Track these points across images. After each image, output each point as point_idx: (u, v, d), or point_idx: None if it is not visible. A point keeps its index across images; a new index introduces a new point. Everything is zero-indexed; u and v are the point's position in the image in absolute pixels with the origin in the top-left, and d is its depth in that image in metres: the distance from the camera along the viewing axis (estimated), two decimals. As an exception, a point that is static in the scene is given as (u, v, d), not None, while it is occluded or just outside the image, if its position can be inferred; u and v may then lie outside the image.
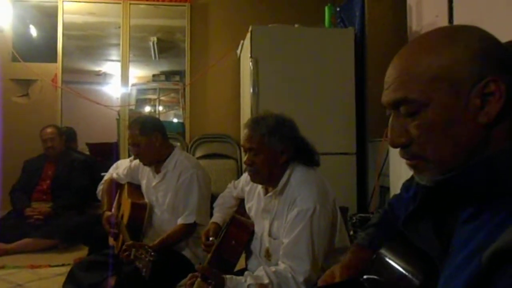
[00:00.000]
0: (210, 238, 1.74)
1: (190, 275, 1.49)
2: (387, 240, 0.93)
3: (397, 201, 1.02)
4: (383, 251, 0.84)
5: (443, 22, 2.99)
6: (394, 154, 2.75)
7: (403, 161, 0.72)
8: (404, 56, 0.70)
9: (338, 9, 4.06)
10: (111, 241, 2.28)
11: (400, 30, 3.62)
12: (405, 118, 0.68)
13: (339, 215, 1.59)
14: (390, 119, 0.71)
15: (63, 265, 2.87)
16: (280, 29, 3.61)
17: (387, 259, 0.82)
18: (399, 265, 0.80)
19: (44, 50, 4.59)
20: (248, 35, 3.54)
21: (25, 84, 4.40)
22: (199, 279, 1.39)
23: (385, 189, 3.20)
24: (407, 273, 0.78)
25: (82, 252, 3.00)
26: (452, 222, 0.68)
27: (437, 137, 0.65)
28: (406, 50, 0.70)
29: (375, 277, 0.81)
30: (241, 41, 4.02)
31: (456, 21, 2.86)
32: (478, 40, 0.65)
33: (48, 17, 4.51)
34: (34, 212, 3.41)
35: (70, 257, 2.95)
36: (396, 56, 0.71)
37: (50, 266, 2.90)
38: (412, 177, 0.95)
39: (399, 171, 2.67)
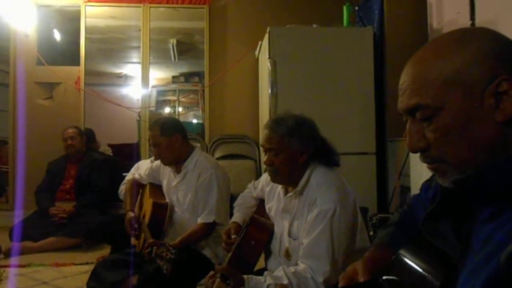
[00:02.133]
0: (233, 236, 1.75)
1: (209, 274, 1.51)
2: (407, 240, 0.92)
3: (417, 202, 1.02)
4: (402, 252, 0.84)
5: (465, 19, 2.94)
6: (414, 154, 2.71)
7: None
8: (416, 62, 0.71)
9: (356, 8, 4.03)
10: (133, 240, 2.32)
11: (420, 28, 3.57)
12: (422, 123, 0.69)
13: (360, 216, 1.58)
14: (407, 124, 0.72)
15: (86, 263, 2.94)
16: (298, 30, 3.60)
17: (407, 260, 0.82)
18: (419, 266, 0.80)
19: (67, 54, 4.71)
20: (266, 36, 3.55)
21: (49, 87, 4.51)
22: (218, 279, 1.40)
23: (406, 189, 3.16)
24: (427, 274, 0.77)
25: (105, 251, 3.07)
26: (472, 222, 0.68)
27: (454, 140, 0.66)
28: (417, 56, 0.71)
29: (395, 278, 0.81)
30: (259, 42, 4.03)
31: (478, 18, 2.81)
32: (489, 41, 0.66)
33: (71, 21, 4.63)
34: (59, 211, 3.50)
35: (94, 256, 3.02)
36: (408, 62, 0.72)
37: (74, 264, 2.98)
38: (431, 178, 0.95)
39: (419, 171, 2.63)
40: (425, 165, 0.72)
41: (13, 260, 3.03)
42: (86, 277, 2.21)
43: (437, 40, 0.71)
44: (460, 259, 0.69)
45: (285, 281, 1.39)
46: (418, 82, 0.68)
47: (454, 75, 0.65)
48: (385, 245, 0.99)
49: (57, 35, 4.72)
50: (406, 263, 0.81)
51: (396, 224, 1.04)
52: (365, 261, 0.95)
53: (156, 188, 2.36)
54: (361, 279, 0.87)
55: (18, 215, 3.69)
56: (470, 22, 2.85)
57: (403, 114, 0.72)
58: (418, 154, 0.72)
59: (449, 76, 0.65)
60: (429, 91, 0.67)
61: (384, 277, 0.80)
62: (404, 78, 0.71)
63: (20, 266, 2.92)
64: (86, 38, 4.52)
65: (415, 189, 2.76)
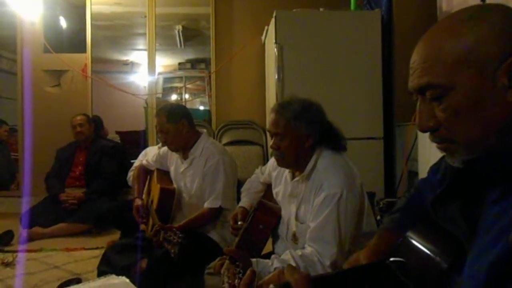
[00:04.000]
0: (239, 222, 1.77)
1: (219, 257, 1.53)
2: (413, 225, 0.93)
3: (424, 184, 1.01)
4: (409, 233, 0.84)
5: (475, 0, 2.88)
6: (423, 138, 2.70)
7: (432, 145, 0.72)
8: (427, 41, 0.69)
9: (364, -9, 3.97)
10: (142, 225, 2.35)
11: (429, 10, 3.50)
12: (432, 102, 0.68)
13: (366, 200, 1.58)
14: (418, 104, 0.71)
15: (97, 248, 2.99)
16: (304, 14, 3.56)
17: (414, 242, 0.82)
18: (426, 247, 0.79)
19: (74, 41, 4.71)
20: (273, 20, 3.51)
21: (56, 74, 4.53)
22: (227, 261, 1.42)
23: (414, 174, 3.15)
24: (435, 256, 0.77)
25: (114, 236, 3.11)
26: (480, 204, 0.67)
27: (465, 119, 0.65)
28: (429, 35, 0.70)
29: (401, 259, 0.80)
30: (266, 27, 4.00)
31: (489, 0, 2.75)
32: (503, 18, 0.64)
33: (77, 8, 4.62)
34: (69, 197, 3.55)
35: (104, 241, 3.07)
36: (419, 41, 0.71)
37: (84, 249, 3.03)
38: (440, 160, 0.94)
39: (427, 156, 2.62)
40: (433, 150, 0.72)
41: (24, 245, 3.09)
42: (96, 261, 2.25)
43: (449, 18, 0.70)
44: (468, 241, 0.69)
45: (292, 264, 1.40)
46: (429, 60, 0.67)
47: (466, 54, 0.64)
48: (392, 230, 0.99)
49: (63, 23, 4.72)
50: (414, 244, 0.81)
51: (402, 209, 1.03)
52: (369, 249, 0.95)
53: (164, 174, 2.38)
54: None
55: (27, 202, 3.75)
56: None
57: (413, 93, 0.71)
58: (427, 136, 0.72)
59: (461, 55, 0.64)
60: (440, 70, 0.66)
61: (391, 259, 0.80)
62: (415, 57, 0.70)
63: (32, 251, 2.98)
64: (92, 25, 4.52)
65: (422, 174, 2.74)
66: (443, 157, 0.91)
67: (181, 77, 6.04)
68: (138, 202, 2.32)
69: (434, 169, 0.97)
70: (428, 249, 0.78)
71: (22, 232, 3.26)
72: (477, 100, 0.63)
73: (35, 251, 2.98)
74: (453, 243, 0.76)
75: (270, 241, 1.76)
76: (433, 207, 0.79)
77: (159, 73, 5.54)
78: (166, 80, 6.01)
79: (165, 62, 6.26)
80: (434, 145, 0.72)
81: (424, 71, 0.68)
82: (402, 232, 0.92)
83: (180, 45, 5.73)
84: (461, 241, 0.74)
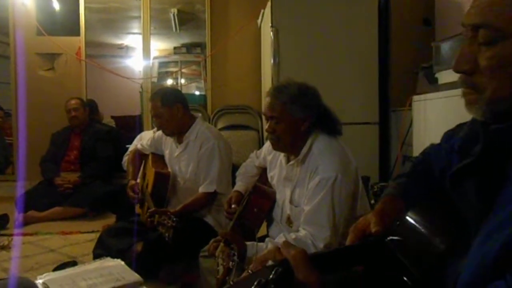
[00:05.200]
0: (233, 206, 1.77)
1: (213, 240, 1.54)
2: (419, 191, 0.90)
3: (434, 152, 0.97)
4: (409, 213, 0.82)
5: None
6: (418, 123, 2.70)
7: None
8: None
9: (361, -26, 3.92)
10: (137, 209, 2.36)
11: (426, -5, 3.49)
12: (480, 46, 0.65)
13: (361, 184, 1.59)
14: (463, 43, 0.68)
15: (92, 231, 2.99)
16: (301, -3, 3.52)
17: (413, 221, 0.81)
18: (425, 227, 0.78)
19: (67, 24, 4.63)
20: (269, 4, 3.48)
21: (50, 57, 4.47)
22: (222, 244, 1.43)
23: (408, 159, 3.17)
24: (432, 237, 0.77)
25: (110, 220, 3.13)
26: (501, 180, 0.65)
27: (504, 74, 0.63)
28: None
29: (399, 238, 0.80)
30: (262, 11, 3.95)
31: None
32: None
33: (70, -10, 4.54)
34: (64, 181, 3.55)
35: (99, 224, 3.07)
36: None
37: (80, 232, 3.04)
38: (456, 127, 0.91)
39: (422, 141, 2.62)
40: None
41: (20, 229, 3.09)
42: (92, 245, 2.26)
43: None
44: (477, 222, 0.66)
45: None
46: (496, 3, 0.63)
47: None
48: (397, 195, 0.94)
49: (56, 5, 4.64)
50: (412, 224, 0.80)
51: (408, 175, 0.99)
52: (377, 212, 0.89)
53: (159, 158, 2.38)
54: (374, 229, 0.82)
55: (22, 186, 3.74)
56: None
57: (465, 29, 0.68)
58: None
59: None
60: (504, 14, 0.62)
61: (389, 238, 0.80)
62: None
63: (28, 234, 2.99)
64: (85, 8, 4.45)
65: (417, 159, 2.76)
66: (459, 125, 0.89)
67: (176, 62, 5.99)
68: (132, 182, 2.33)
69: (449, 134, 0.94)
70: (427, 230, 0.78)
71: (17, 216, 3.26)
72: None
73: (30, 234, 2.99)
74: (454, 224, 0.74)
75: (264, 224, 1.78)
76: (451, 178, 0.76)
77: (154, 57, 5.49)
78: (162, 64, 5.96)
79: (160, 46, 6.20)
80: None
81: (486, 9, 0.64)
82: (407, 199, 0.89)
83: (175, 29, 5.67)
84: (464, 222, 0.72)
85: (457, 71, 0.68)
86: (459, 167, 0.74)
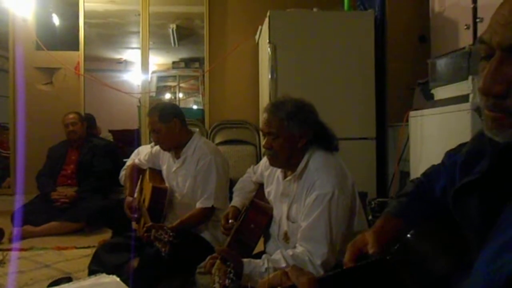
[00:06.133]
0: (230, 221, 1.77)
1: (209, 256, 1.53)
2: (419, 211, 0.89)
3: (437, 172, 0.95)
4: (412, 232, 0.81)
5: (467, 1, 2.91)
6: (414, 139, 2.72)
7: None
8: None
9: (357, -9, 3.99)
10: (134, 224, 2.35)
11: (421, 11, 3.54)
12: None
13: (358, 200, 1.59)
14: (491, 61, 0.61)
15: (88, 247, 2.97)
16: (298, 14, 3.57)
17: (416, 241, 0.80)
18: (427, 248, 0.78)
19: (66, 39, 4.67)
20: (266, 20, 3.52)
21: (49, 72, 4.50)
22: (218, 261, 1.42)
23: (405, 174, 3.17)
24: (435, 257, 0.76)
25: (106, 235, 3.10)
26: (506, 197, 0.62)
27: None
28: None
29: (403, 257, 0.79)
30: (259, 27, 4.00)
31: (479, 0, 2.78)
32: None
33: (70, 5, 4.58)
34: (60, 195, 3.53)
35: (95, 240, 3.05)
36: None
37: (76, 247, 3.01)
38: (458, 147, 0.89)
39: (419, 156, 2.63)
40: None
41: (16, 244, 3.06)
42: (87, 260, 2.23)
43: None
44: (479, 239, 0.64)
45: (283, 265, 1.40)
46: None
47: None
48: (396, 215, 0.93)
49: (56, 20, 4.68)
50: (415, 243, 0.80)
51: (409, 194, 0.97)
52: (375, 231, 0.89)
53: (156, 173, 2.37)
54: (371, 250, 0.82)
55: (19, 200, 3.72)
56: (472, 6, 2.82)
57: (496, 50, 0.61)
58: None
59: None
60: None
61: (390, 256, 0.79)
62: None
63: (23, 249, 2.95)
64: (85, 23, 4.49)
65: (414, 174, 2.77)
66: (461, 145, 0.88)
67: (174, 76, 6.01)
68: (129, 198, 2.32)
69: (451, 153, 0.93)
70: (428, 250, 0.78)
71: (13, 230, 3.23)
72: None
73: (25, 249, 2.96)
74: (455, 244, 0.74)
75: (261, 240, 1.77)
76: (455, 195, 0.73)
77: (153, 72, 5.51)
78: (160, 79, 5.99)
79: (158, 60, 6.23)
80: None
81: None
82: (407, 218, 0.89)
83: (174, 44, 5.71)
84: (465, 242, 0.71)
85: (485, 93, 0.61)
86: (464, 182, 0.71)
